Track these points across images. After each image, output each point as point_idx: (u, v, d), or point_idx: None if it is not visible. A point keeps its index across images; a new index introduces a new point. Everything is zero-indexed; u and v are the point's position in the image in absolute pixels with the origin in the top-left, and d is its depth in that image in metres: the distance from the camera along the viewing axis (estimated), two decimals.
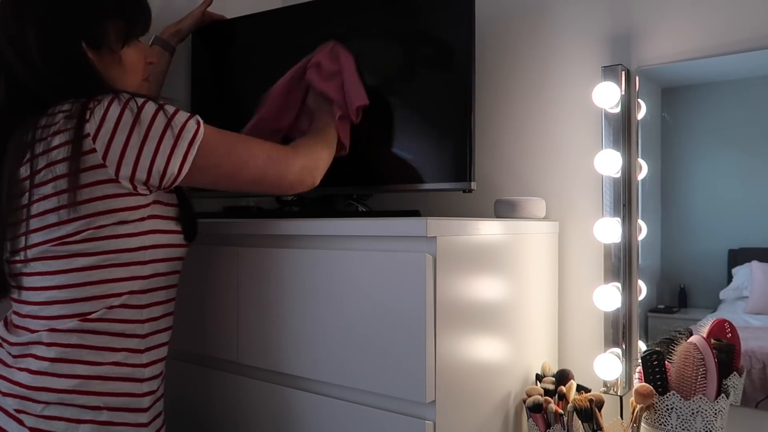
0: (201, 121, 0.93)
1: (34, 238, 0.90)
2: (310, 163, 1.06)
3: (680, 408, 1.02)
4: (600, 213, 1.24)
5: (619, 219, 1.21)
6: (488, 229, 1.06)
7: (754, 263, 1.13)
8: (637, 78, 1.25)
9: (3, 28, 0.92)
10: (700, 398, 1.01)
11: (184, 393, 1.24)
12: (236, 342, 1.14)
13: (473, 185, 1.19)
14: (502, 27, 1.43)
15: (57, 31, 0.92)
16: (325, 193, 1.35)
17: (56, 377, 0.89)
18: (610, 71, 1.23)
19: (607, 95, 1.21)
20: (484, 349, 1.05)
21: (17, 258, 0.92)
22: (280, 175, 1.02)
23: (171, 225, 0.98)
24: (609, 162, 1.21)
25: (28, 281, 0.92)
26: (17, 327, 0.95)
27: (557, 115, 1.35)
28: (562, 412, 1.07)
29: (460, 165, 1.19)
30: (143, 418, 0.96)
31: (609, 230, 1.20)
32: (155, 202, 0.94)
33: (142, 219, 0.93)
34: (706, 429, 1.01)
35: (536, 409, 1.07)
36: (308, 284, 1.03)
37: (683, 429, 1.02)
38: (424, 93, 1.26)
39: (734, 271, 1.16)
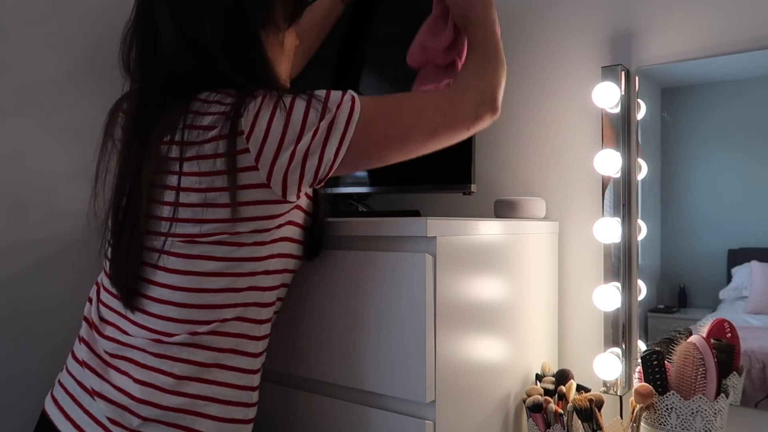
0: (355, 96, 0.84)
1: (177, 228, 0.82)
2: (484, 95, 0.95)
3: (680, 408, 1.02)
4: (600, 213, 1.24)
5: (618, 219, 1.21)
6: (488, 229, 1.06)
7: (754, 263, 1.13)
8: (636, 78, 1.25)
9: (172, 9, 0.84)
10: (700, 398, 1.01)
11: None
12: None
13: (473, 188, 1.19)
14: (502, 26, 1.42)
15: (232, 13, 0.84)
16: (326, 193, 1.35)
17: (164, 392, 0.81)
18: (609, 71, 1.23)
19: (607, 95, 1.21)
20: (484, 349, 1.05)
21: (150, 245, 0.84)
22: (453, 124, 0.91)
23: (300, 234, 0.92)
24: (609, 162, 1.21)
25: (150, 273, 0.84)
26: (114, 312, 0.87)
27: (557, 115, 1.35)
28: (562, 412, 1.07)
29: (461, 167, 1.19)
30: None
31: (609, 230, 1.20)
32: (296, 207, 0.88)
33: (280, 226, 0.86)
34: (706, 429, 1.01)
35: (536, 409, 1.07)
36: (308, 284, 1.03)
37: (683, 429, 1.02)
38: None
39: (734, 271, 1.16)
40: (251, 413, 0.89)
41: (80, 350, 0.89)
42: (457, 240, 0.96)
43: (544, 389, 1.12)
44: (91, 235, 0.90)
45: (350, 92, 0.85)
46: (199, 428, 0.83)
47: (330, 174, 0.84)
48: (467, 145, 1.19)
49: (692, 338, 1.05)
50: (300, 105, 0.81)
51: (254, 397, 0.89)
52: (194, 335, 0.82)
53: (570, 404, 1.07)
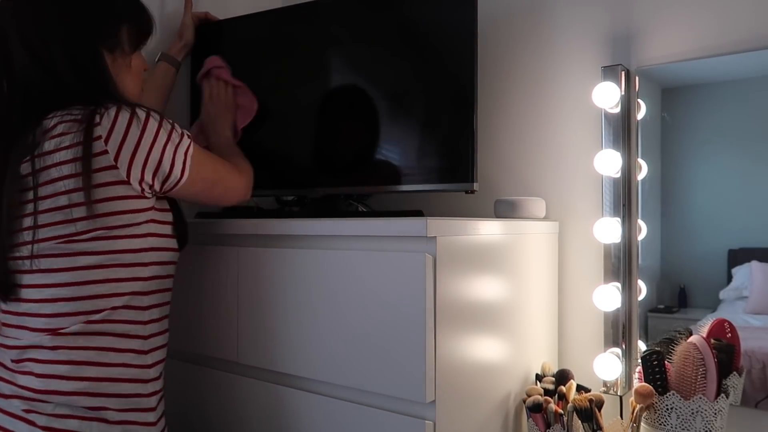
0: (191, 140, 0.99)
1: (40, 234, 0.91)
2: (248, 181, 1.17)
3: (680, 408, 1.02)
4: (600, 213, 1.24)
5: (619, 219, 1.21)
6: (488, 229, 1.06)
7: (754, 263, 1.13)
8: (637, 78, 1.25)
9: (21, 34, 0.94)
10: (700, 398, 1.01)
11: (185, 393, 1.24)
12: (236, 342, 1.14)
13: (476, 186, 1.19)
14: (502, 27, 1.43)
15: (78, 37, 0.95)
16: (326, 193, 1.35)
17: (64, 380, 0.91)
18: (610, 71, 1.23)
19: (607, 95, 1.21)
20: (484, 349, 1.05)
21: (17, 254, 0.93)
22: (236, 189, 1.12)
23: (167, 230, 1.01)
24: (609, 162, 1.21)
25: (27, 279, 0.93)
26: (11, 326, 0.95)
27: (557, 115, 1.35)
28: (562, 412, 1.07)
29: (463, 166, 1.19)
30: (151, 417, 0.97)
31: (609, 230, 1.20)
32: (153, 207, 0.97)
33: (145, 222, 0.96)
34: (706, 429, 1.01)
35: (536, 409, 1.07)
36: (308, 284, 1.03)
37: (683, 429, 1.02)
38: (426, 94, 1.26)
39: (734, 271, 1.16)
40: (150, 387, 0.98)
41: None
42: (457, 240, 0.96)
43: (544, 389, 1.12)
44: None
45: (186, 132, 0.99)
46: (106, 405, 0.92)
47: (173, 190, 0.98)
48: (470, 143, 1.19)
49: (692, 338, 1.05)
50: (153, 120, 0.94)
51: (151, 373, 0.98)
52: (89, 324, 0.92)
53: (570, 404, 1.07)
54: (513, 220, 1.21)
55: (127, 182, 0.91)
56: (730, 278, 1.16)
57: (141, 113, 0.92)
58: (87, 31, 0.96)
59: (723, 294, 1.17)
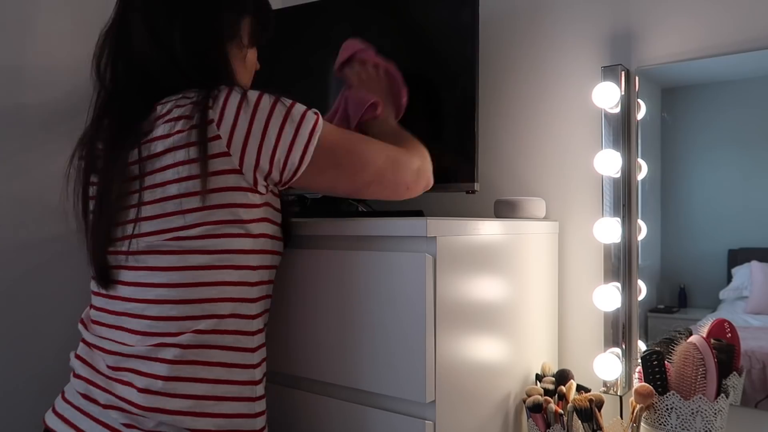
0: (319, 114, 0.88)
1: (146, 227, 0.85)
2: (425, 164, 1.01)
3: (680, 408, 1.02)
4: (600, 213, 1.24)
5: (618, 219, 1.21)
6: (488, 229, 1.06)
7: (754, 263, 1.13)
8: (637, 78, 1.25)
9: (145, 17, 0.90)
10: (700, 398, 1.01)
11: None
12: None
13: (477, 186, 1.19)
14: (502, 27, 1.43)
15: (200, 24, 0.91)
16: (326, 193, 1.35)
17: (169, 397, 0.82)
18: (610, 71, 1.23)
19: (607, 95, 1.21)
20: (484, 349, 1.05)
21: (121, 248, 0.87)
22: (397, 177, 0.96)
23: (278, 231, 0.94)
24: (609, 162, 1.21)
25: (131, 276, 0.86)
26: (108, 326, 0.89)
27: (557, 115, 1.35)
28: (562, 412, 1.07)
29: (464, 166, 1.19)
30: None
31: (609, 230, 1.20)
32: (267, 204, 0.89)
33: (258, 220, 0.88)
34: (706, 429, 1.01)
35: (536, 409, 1.07)
36: (308, 284, 1.03)
37: (683, 429, 1.02)
38: (427, 94, 1.26)
39: (734, 271, 1.16)
40: (257, 407, 0.90)
41: (78, 367, 0.91)
42: (457, 240, 0.96)
43: (544, 389, 1.12)
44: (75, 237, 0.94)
45: (314, 110, 0.89)
46: (207, 427, 0.84)
47: (293, 180, 0.88)
48: (471, 143, 1.19)
49: (692, 338, 1.05)
50: (266, 101, 0.84)
51: (257, 390, 0.90)
52: (197, 334, 0.84)
53: (570, 404, 1.07)
54: (513, 220, 1.21)
55: (240, 171, 0.83)
56: (730, 278, 1.16)
57: (252, 94, 0.84)
58: (210, 18, 0.92)
59: (723, 294, 1.17)
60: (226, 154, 0.82)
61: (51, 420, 0.90)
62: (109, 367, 0.86)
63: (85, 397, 0.87)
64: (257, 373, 0.90)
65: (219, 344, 0.85)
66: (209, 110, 0.82)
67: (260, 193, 0.87)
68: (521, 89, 1.40)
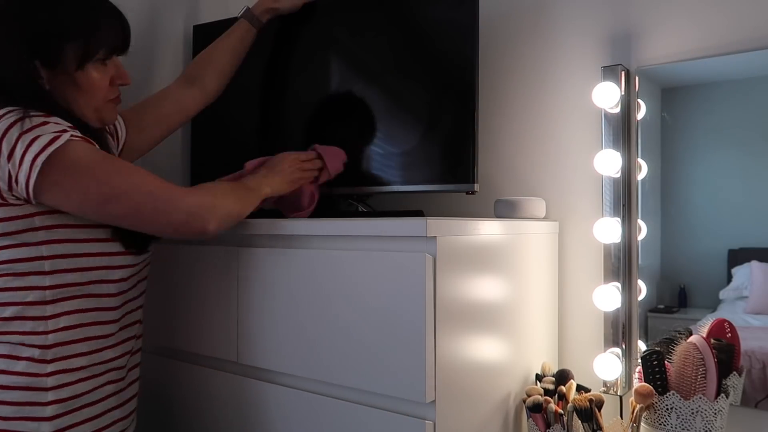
0: (73, 138, 0.90)
1: None
2: (205, 205, 0.97)
3: (680, 408, 1.02)
4: (600, 213, 1.24)
5: (619, 219, 1.21)
6: (488, 229, 1.06)
7: (754, 263, 1.13)
8: (637, 78, 1.25)
9: None
10: (700, 398, 1.01)
11: (184, 393, 1.24)
12: (236, 342, 1.14)
13: (476, 187, 1.19)
14: (502, 27, 1.43)
15: (12, 50, 0.93)
16: (326, 193, 1.35)
17: None
18: (610, 71, 1.23)
19: (607, 95, 1.21)
20: (484, 349, 1.05)
21: None
22: (159, 213, 0.95)
23: (89, 234, 0.97)
24: (609, 162, 1.21)
25: None
26: None
27: (557, 115, 1.36)
28: (562, 412, 1.07)
29: (463, 166, 1.19)
30: (46, 426, 0.95)
31: (609, 230, 1.20)
32: (49, 212, 0.93)
33: (34, 229, 0.93)
34: (706, 429, 1.01)
35: (536, 409, 1.07)
36: (308, 284, 1.03)
37: (683, 429, 1.02)
38: (428, 94, 1.26)
39: (734, 271, 1.16)
40: (50, 395, 0.95)
41: None
42: (457, 240, 0.97)
43: (544, 389, 1.12)
44: None
45: (69, 134, 0.90)
46: None
47: (30, 194, 0.89)
48: (470, 144, 1.19)
49: (692, 338, 1.05)
50: (6, 120, 0.88)
51: (48, 382, 0.95)
52: None
53: (570, 404, 1.07)
54: (513, 220, 1.21)
55: None
56: (730, 278, 1.16)
57: (9, 116, 0.89)
58: (23, 43, 0.93)
59: (723, 294, 1.17)
60: None
61: None
62: None
63: None
64: (49, 367, 0.95)
65: (3, 341, 0.94)
66: None
67: (18, 205, 0.91)
68: (521, 89, 1.40)
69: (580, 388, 1.14)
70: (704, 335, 1.06)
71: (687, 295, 1.21)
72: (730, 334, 1.07)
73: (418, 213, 1.27)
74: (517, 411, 1.15)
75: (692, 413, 1.01)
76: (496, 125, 1.43)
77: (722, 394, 1.01)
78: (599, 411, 1.06)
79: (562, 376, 1.16)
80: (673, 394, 1.03)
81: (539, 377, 1.19)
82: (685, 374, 1.03)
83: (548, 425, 1.07)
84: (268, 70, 1.42)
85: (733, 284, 1.16)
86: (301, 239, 1.07)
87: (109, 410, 1.03)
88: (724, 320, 1.08)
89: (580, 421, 1.05)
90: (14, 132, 0.88)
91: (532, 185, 1.38)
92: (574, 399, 1.08)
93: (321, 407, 1.03)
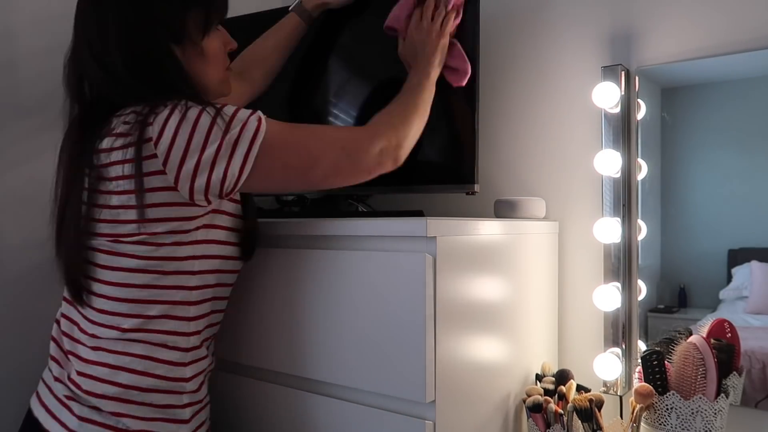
0: (263, 117, 0.88)
1: (94, 228, 0.90)
2: (393, 142, 0.96)
3: (680, 408, 1.02)
4: (600, 213, 1.24)
5: (619, 219, 1.21)
6: (488, 229, 1.06)
7: (754, 263, 1.13)
8: (637, 78, 1.25)
9: (86, 39, 0.91)
10: (700, 398, 1.01)
11: None
12: (236, 342, 1.14)
13: (477, 187, 1.19)
14: (502, 27, 1.43)
15: (136, 35, 0.90)
16: (326, 193, 1.35)
17: (99, 382, 0.90)
18: (610, 71, 1.23)
19: (607, 95, 1.21)
20: (484, 349, 1.05)
21: (91, 244, 0.92)
22: (355, 165, 0.94)
23: (230, 237, 0.97)
24: (609, 162, 1.21)
25: (91, 270, 0.92)
26: (66, 300, 0.97)
27: (557, 115, 1.35)
28: (562, 412, 1.07)
29: (464, 167, 1.19)
30: (184, 429, 0.95)
31: (609, 230, 1.20)
32: (216, 211, 0.93)
33: (196, 229, 0.91)
34: (706, 429, 1.01)
35: (536, 409, 1.07)
36: (308, 284, 1.03)
37: (683, 429, 1.02)
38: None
39: (734, 271, 1.16)
40: (186, 398, 0.95)
41: (51, 348, 0.99)
42: (457, 240, 0.96)
43: (544, 389, 1.12)
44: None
45: (258, 113, 0.89)
46: (130, 413, 0.90)
47: (236, 189, 0.89)
48: (471, 144, 1.19)
49: (692, 338, 1.05)
50: (205, 119, 0.85)
51: (187, 386, 0.94)
52: (126, 332, 0.90)
53: (570, 404, 1.07)
54: (513, 220, 1.21)
55: (175, 188, 0.86)
56: (730, 278, 1.16)
57: (193, 112, 0.85)
58: (146, 27, 0.90)
59: (723, 294, 1.17)
60: (162, 172, 0.85)
61: (32, 401, 0.98)
62: (65, 348, 0.95)
63: (50, 375, 0.96)
64: (188, 371, 0.94)
65: (147, 340, 0.91)
66: (149, 127, 0.85)
67: (200, 206, 0.90)
68: (521, 89, 1.40)
69: (580, 388, 1.14)
70: (704, 335, 1.06)
71: (687, 295, 1.21)
72: (730, 334, 1.07)
73: (418, 213, 1.26)
74: (517, 411, 1.15)
75: (692, 413, 1.01)
76: (496, 125, 1.43)
77: (722, 394, 1.01)
78: (599, 411, 1.06)
79: (562, 376, 1.16)
80: (673, 394, 1.03)
81: (539, 377, 1.19)
82: (685, 374, 1.03)
83: (548, 425, 1.07)
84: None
85: (733, 284, 1.16)
86: (301, 239, 1.07)
87: (206, 420, 1.02)
88: (724, 320, 1.08)
89: (580, 421, 1.05)
90: (217, 132, 0.85)
91: (532, 185, 1.38)
92: (574, 399, 1.08)
93: (320, 407, 1.03)
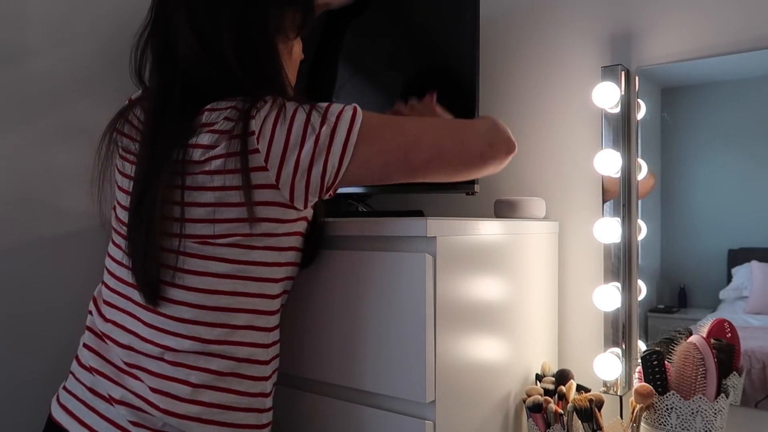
0: (357, 107, 0.84)
1: (187, 228, 0.83)
2: (496, 127, 0.90)
3: (680, 408, 1.02)
4: (600, 213, 1.24)
5: (618, 219, 1.21)
6: (488, 229, 1.06)
7: (754, 263, 1.13)
8: (636, 78, 1.25)
9: (191, 19, 0.85)
10: (700, 398, 1.01)
11: None
12: None
13: (476, 187, 1.19)
14: (502, 27, 1.43)
15: (250, 24, 0.86)
16: None
17: (178, 401, 0.82)
18: (609, 71, 1.23)
19: (607, 95, 1.21)
20: (484, 349, 1.05)
21: (168, 246, 0.84)
22: (461, 144, 0.86)
23: (302, 244, 0.93)
24: (609, 162, 1.21)
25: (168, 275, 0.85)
26: (121, 310, 0.87)
27: (557, 115, 1.36)
28: (562, 412, 1.07)
29: None
30: None
31: (609, 230, 1.20)
32: (303, 218, 0.89)
33: (290, 234, 0.87)
34: (706, 429, 1.01)
35: (536, 409, 1.07)
36: (308, 284, 1.03)
37: (683, 429, 1.02)
38: (428, 94, 1.25)
39: (734, 271, 1.16)
40: (264, 418, 0.90)
41: (87, 357, 0.89)
42: (457, 240, 0.97)
43: (544, 389, 1.12)
44: (99, 236, 0.90)
45: (353, 104, 0.85)
46: None
47: (336, 183, 0.84)
48: None
49: (692, 338, 1.05)
50: (301, 114, 0.81)
51: (267, 403, 0.90)
52: (208, 344, 0.83)
53: (570, 404, 1.07)
54: (513, 220, 1.21)
55: (276, 187, 0.81)
56: (730, 278, 1.16)
57: (290, 106, 0.81)
58: (258, 14, 0.86)
59: (723, 294, 1.17)
60: (264, 168, 0.80)
61: (57, 412, 0.89)
62: (123, 361, 0.85)
63: (91, 390, 0.87)
64: (268, 386, 0.90)
65: (232, 355, 0.84)
66: (252, 120, 0.80)
67: (297, 209, 0.85)
68: (521, 89, 1.40)
69: (580, 388, 1.14)
70: (704, 335, 1.06)
71: (687, 295, 1.21)
72: (730, 334, 1.07)
73: (418, 213, 1.26)
74: (517, 411, 1.15)
75: (692, 413, 1.01)
76: None
77: (722, 394, 1.01)
78: (599, 411, 1.06)
79: (562, 376, 1.16)
80: (673, 394, 1.03)
81: (539, 377, 1.19)
82: (685, 374, 1.03)
83: (548, 425, 1.07)
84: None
85: (733, 284, 1.16)
86: None
87: None
88: (724, 320, 1.08)
89: (580, 421, 1.05)
90: (315, 124, 0.81)
91: (532, 185, 1.38)
92: (574, 399, 1.08)
93: (321, 407, 1.03)
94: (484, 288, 1.05)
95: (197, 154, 0.82)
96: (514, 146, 0.92)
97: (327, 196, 0.88)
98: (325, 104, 0.84)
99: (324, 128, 0.81)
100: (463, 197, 1.44)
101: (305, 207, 0.86)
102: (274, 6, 0.89)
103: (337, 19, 1.35)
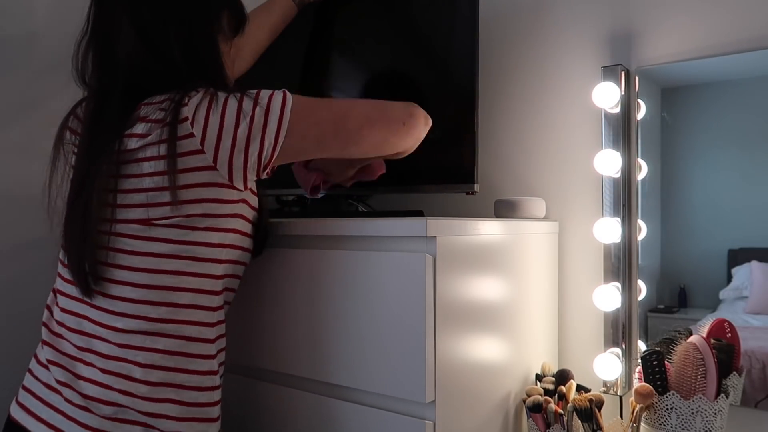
0: (286, 90, 0.90)
1: (120, 213, 0.87)
2: (410, 106, 1.00)
3: (680, 408, 1.02)
4: (600, 213, 1.24)
5: (618, 219, 1.21)
6: (488, 229, 1.06)
7: (754, 263, 1.13)
8: (636, 78, 1.25)
9: (133, 17, 0.90)
10: (700, 398, 1.01)
11: None
12: (234, 342, 1.14)
13: (476, 187, 1.19)
14: (502, 27, 1.43)
15: (193, 20, 0.92)
16: (326, 193, 1.35)
17: (130, 381, 0.86)
18: (609, 71, 1.23)
19: (607, 95, 1.21)
20: (484, 349, 1.05)
21: (106, 229, 0.88)
22: (385, 113, 0.96)
23: (249, 229, 0.96)
24: (609, 162, 1.21)
25: (109, 257, 0.88)
26: (72, 298, 0.91)
27: (557, 115, 1.36)
28: (562, 412, 1.07)
29: (464, 167, 1.19)
30: (213, 429, 0.92)
31: (609, 230, 1.20)
32: (243, 200, 0.92)
33: (230, 215, 0.90)
34: (706, 429, 1.01)
35: (536, 409, 1.07)
36: (308, 284, 1.03)
37: (683, 429, 1.02)
38: (427, 94, 1.26)
39: (734, 271, 1.16)
40: (216, 395, 0.93)
41: (44, 352, 0.92)
42: (457, 240, 0.96)
43: (544, 389, 1.12)
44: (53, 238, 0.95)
45: (282, 89, 0.90)
46: (167, 413, 0.87)
47: (273, 160, 0.89)
48: (471, 144, 1.19)
49: (692, 338, 1.05)
50: (232, 100, 0.87)
51: (216, 380, 0.93)
52: (154, 322, 0.86)
53: (570, 404, 1.07)
54: (513, 220, 1.21)
55: (214, 167, 0.86)
56: (730, 278, 1.16)
57: (221, 94, 0.87)
58: (200, 14, 0.93)
59: (723, 294, 1.17)
60: (200, 151, 0.85)
61: (15, 411, 0.92)
62: (75, 346, 0.89)
63: (47, 386, 0.90)
64: (215, 364, 0.92)
65: (178, 333, 0.88)
66: (183, 108, 0.85)
67: (237, 189, 0.89)
68: (521, 89, 1.40)
69: (580, 388, 1.14)
70: (704, 335, 1.06)
71: (687, 295, 1.21)
72: (730, 334, 1.07)
73: (418, 213, 1.26)
74: (517, 411, 1.15)
75: (692, 413, 1.01)
76: (496, 125, 1.43)
77: (722, 394, 1.01)
78: (599, 411, 1.06)
79: (562, 376, 1.16)
80: (673, 394, 1.03)
81: (539, 377, 1.19)
82: (685, 374, 1.03)
83: (548, 425, 1.07)
84: (268, 66, 1.42)
85: (733, 284, 1.16)
86: (301, 239, 1.07)
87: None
88: (724, 320, 1.08)
89: (580, 421, 1.05)
90: (247, 107, 0.86)
91: (532, 185, 1.38)
92: (574, 399, 1.08)
93: (320, 407, 1.03)
94: (484, 288, 1.05)
95: (132, 143, 0.87)
96: (430, 119, 1.02)
97: (265, 175, 0.92)
98: (255, 90, 0.89)
99: (257, 109, 0.86)
100: (463, 197, 1.44)
101: (245, 187, 0.90)
102: (213, 7, 0.96)
103: (330, 8, 1.36)
